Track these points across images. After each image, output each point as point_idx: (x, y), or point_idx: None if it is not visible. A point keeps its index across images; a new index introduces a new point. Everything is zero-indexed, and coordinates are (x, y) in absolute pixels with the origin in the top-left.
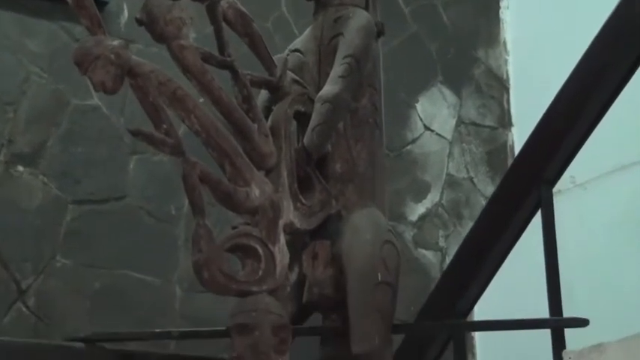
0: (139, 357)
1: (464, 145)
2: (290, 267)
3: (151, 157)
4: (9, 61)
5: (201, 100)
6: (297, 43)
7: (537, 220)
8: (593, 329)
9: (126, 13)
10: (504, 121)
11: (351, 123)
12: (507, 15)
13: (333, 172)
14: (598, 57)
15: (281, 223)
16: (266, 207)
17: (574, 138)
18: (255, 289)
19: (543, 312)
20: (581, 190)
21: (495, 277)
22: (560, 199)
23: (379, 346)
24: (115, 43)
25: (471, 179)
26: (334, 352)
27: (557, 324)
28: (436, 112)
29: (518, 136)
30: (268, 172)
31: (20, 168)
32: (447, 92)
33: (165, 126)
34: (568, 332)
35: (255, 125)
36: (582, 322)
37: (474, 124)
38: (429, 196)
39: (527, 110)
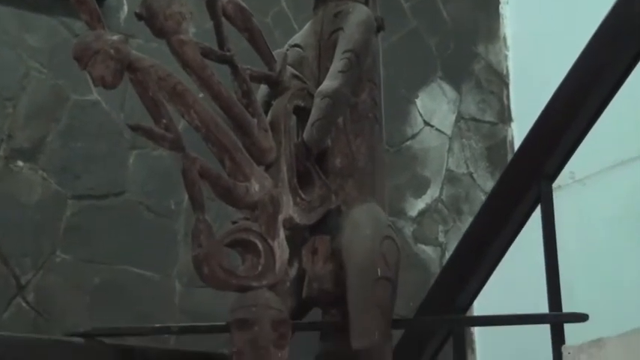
0: (139, 352)
1: (463, 140)
2: (290, 262)
3: (151, 153)
4: (9, 56)
5: (201, 95)
6: (297, 37)
7: (537, 215)
8: (593, 324)
9: (125, 7)
10: (504, 116)
11: (350, 118)
12: (507, 10)
13: (332, 167)
14: (598, 53)
15: (280, 218)
16: (266, 202)
17: (574, 133)
18: (254, 284)
19: (543, 307)
20: (581, 186)
21: (495, 273)
22: (559, 195)
23: (379, 341)
24: (115, 37)
25: (470, 175)
26: (334, 347)
27: (557, 319)
28: (436, 108)
29: (518, 132)
30: (268, 167)
31: (20, 163)
32: (447, 88)
33: (164, 121)
34: (567, 327)
35: (255, 120)
36: (582, 318)
37: (474, 119)
38: (429, 192)
39: (526, 106)
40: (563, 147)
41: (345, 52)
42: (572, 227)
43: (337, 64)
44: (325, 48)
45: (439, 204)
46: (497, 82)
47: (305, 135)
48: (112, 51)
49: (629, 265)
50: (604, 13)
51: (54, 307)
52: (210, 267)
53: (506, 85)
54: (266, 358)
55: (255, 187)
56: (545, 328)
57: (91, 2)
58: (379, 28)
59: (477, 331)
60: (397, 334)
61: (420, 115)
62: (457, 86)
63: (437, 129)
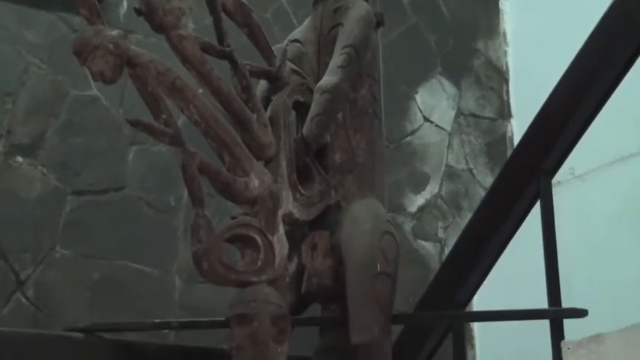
0: (138, 347)
1: (463, 136)
2: (289, 257)
3: (150, 148)
4: (8, 52)
5: (200, 90)
6: (297, 33)
7: (536, 211)
8: (592, 320)
9: (125, 3)
10: (504, 112)
11: (350, 113)
12: (507, 6)
13: (332, 163)
14: (597, 49)
15: (280, 213)
16: (265, 197)
17: (573, 129)
18: (254, 279)
19: (542, 303)
20: (580, 182)
21: (494, 268)
22: (559, 191)
23: (378, 336)
24: (114, 33)
25: (470, 170)
26: (333, 342)
27: (556, 314)
28: (435, 104)
29: (518, 128)
30: (267, 163)
31: (19, 159)
32: (447, 83)
33: (164, 116)
34: (567, 323)
35: (255, 115)
36: (581, 313)
37: (474, 115)
38: (428, 188)
39: (526, 101)
40: (562, 143)
41: (344, 47)
42: (571, 223)
43: (337, 59)
44: (325, 43)
45: (439, 200)
46: (496, 78)
47: (304, 130)
48: (111, 46)
49: (628, 260)
50: (603, 9)
51: (53, 302)
52: (210, 262)
53: (506, 81)
54: (265, 353)
55: (255, 182)
56: (545, 324)
57: None
58: (379, 24)
59: (477, 327)
60: (396, 329)
61: (420, 110)
62: (457, 82)
63: (436, 125)
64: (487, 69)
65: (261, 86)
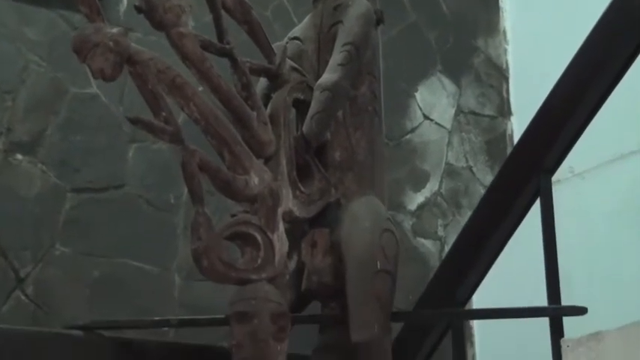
0: (138, 345)
1: (463, 134)
2: (289, 255)
3: (150, 146)
4: (7, 49)
5: (200, 87)
6: (297, 30)
7: (536, 209)
8: (592, 318)
9: (125, 1)
10: (504, 110)
11: (350, 111)
12: (507, 4)
13: (332, 160)
14: (597, 46)
15: (280, 211)
16: (265, 195)
17: (573, 127)
18: (254, 277)
19: (542, 300)
20: (580, 180)
21: (494, 266)
22: (558, 189)
23: (378, 334)
24: (114, 30)
25: (470, 168)
26: (333, 340)
27: (556, 312)
28: (435, 102)
29: (518, 125)
30: (267, 160)
31: (19, 156)
32: (447, 81)
33: (164, 114)
34: (566, 321)
35: (254, 113)
36: (580, 311)
37: (474, 113)
38: (428, 186)
39: (526, 99)
40: (562, 141)
41: (344, 44)
42: (571, 221)
43: (337, 57)
44: (325, 41)
45: (438, 198)
46: (496, 75)
47: (304, 128)
48: (111, 44)
49: (628, 258)
50: (604, 6)
51: (53, 300)
52: (210, 260)
53: (506, 78)
54: (265, 350)
55: (255, 180)
56: (544, 322)
57: None
58: (379, 21)
59: (476, 325)
60: (396, 327)
61: (420, 108)
62: (457, 80)
63: (436, 123)
64: (487, 67)
65: (261, 84)
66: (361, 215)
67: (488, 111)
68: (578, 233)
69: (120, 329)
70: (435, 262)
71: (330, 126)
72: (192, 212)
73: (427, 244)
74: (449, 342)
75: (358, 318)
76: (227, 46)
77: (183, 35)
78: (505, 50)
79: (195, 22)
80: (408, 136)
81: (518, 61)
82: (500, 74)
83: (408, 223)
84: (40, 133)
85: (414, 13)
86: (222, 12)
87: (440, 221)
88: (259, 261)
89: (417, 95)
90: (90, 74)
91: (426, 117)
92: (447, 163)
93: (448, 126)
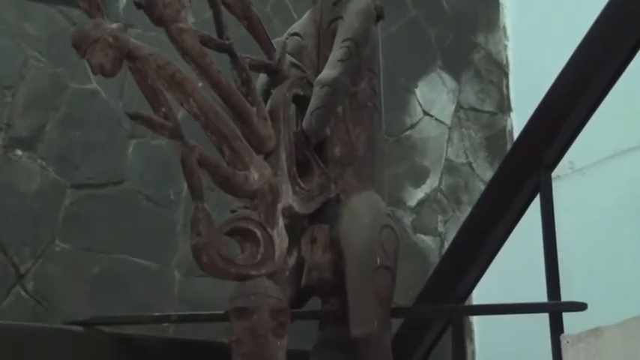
0: (138, 340)
1: (463, 130)
2: (289, 251)
3: (150, 142)
4: (7, 45)
5: (200, 83)
6: (296, 26)
7: (536, 205)
8: (591, 313)
9: None
10: (503, 106)
11: (350, 107)
12: (507, 0)
13: (332, 156)
14: (597, 42)
15: (280, 206)
16: (265, 191)
17: (573, 123)
18: (254, 272)
19: (541, 296)
20: (580, 176)
21: (494, 262)
22: (558, 185)
23: (378, 329)
24: (114, 26)
25: (469, 164)
26: (333, 335)
27: (556, 308)
28: (435, 98)
29: (518, 121)
30: (267, 156)
31: (19, 152)
32: (447, 77)
33: (163, 109)
34: (566, 316)
35: (254, 109)
36: (580, 307)
37: (473, 109)
38: (428, 182)
39: (526, 95)
40: (562, 137)
41: (344, 40)
42: (571, 217)
43: (336, 52)
44: (324, 37)
45: (438, 194)
46: (496, 71)
47: (304, 124)
48: (110, 39)
49: (627, 254)
50: (604, 2)
51: (53, 295)
52: (209, 256)
53: (506, 74)
54: (265, 346)
55: (254, 175)
56: (544, 317)
57: None
58: (379, 17)
59: (476, 320)
60: (396, 322)
61: (420, 104)
62: (457, 76)
63: (436, 119)
64: (487, 63)
65: (260, 80)
66: (361, 211)
67: (488, 107)
68: (578, 229)
69: (120, 325)
70: (434, 258)
71: (330, 122)
72: (192, 208)
73: (427, 240)
74: (449, 338)
75: (358, 314)
76: (227, 42)
77: (182, 31)
78: (505, 46)
79: (194, 18)
80: (407, 132)
81: (518, 58)
82: (500, 70)
83: (407, 219)
84: (39, 128)
85: (414, 9)
86: (222, 8)
87: (440, 217)
88: (259, 257)
89: (417, 91)
90: (89, 70)
91: (425, 113)
92: (447, 159)
93: (448, 122)
